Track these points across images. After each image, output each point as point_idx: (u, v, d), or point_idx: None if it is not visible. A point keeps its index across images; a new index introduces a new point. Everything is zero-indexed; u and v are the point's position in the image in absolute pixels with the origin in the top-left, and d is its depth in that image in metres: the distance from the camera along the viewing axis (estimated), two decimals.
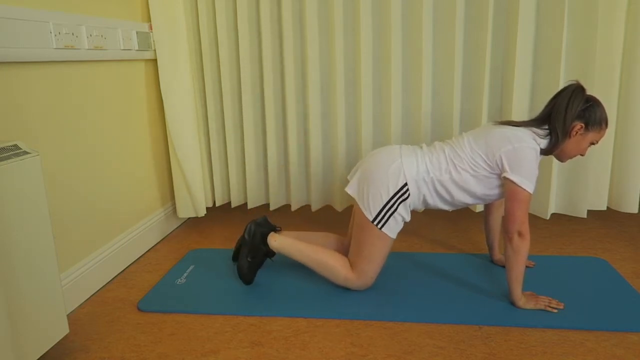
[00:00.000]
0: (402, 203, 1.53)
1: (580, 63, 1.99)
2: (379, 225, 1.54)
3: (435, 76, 2.16)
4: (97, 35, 1.70)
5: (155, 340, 1.42)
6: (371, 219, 1.54)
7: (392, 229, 1.56)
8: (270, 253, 1.74)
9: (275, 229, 1.78)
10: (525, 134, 1.48)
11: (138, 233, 2.01)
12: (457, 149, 1.54)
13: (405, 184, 1.52)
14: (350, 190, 1.60)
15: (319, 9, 2.13)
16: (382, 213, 1.53)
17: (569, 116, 1.46)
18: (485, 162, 1.49)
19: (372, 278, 1.62)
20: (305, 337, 1.41)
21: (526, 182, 1.43)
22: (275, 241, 1.71)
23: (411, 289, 1.65)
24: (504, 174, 1.46)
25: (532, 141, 1.47)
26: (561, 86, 1.54)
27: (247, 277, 1.70)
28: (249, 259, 1.70)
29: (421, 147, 1.60)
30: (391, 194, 1.52)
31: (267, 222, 1.77)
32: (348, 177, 1.65)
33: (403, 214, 1.55)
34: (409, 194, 1.53)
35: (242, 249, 1.72)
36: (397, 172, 1.52)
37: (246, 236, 1.72)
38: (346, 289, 1.65)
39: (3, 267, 1.10)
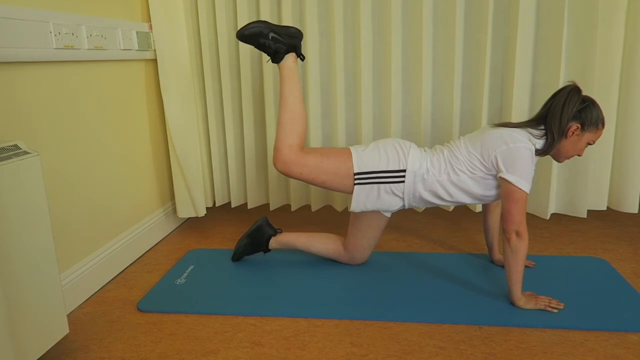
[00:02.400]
0: (390, 185, 1.55)
1: (580, 63, 1.99)
2: (356, 181, 1.55)
3: (435, 76, 2.16)
4: (97, 35, 1.70)
5: (155, 340, 1.42)
6: (356, 171, 1.55)
7: (361, 195, 1.56)
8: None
9: (276, 232, 1.87)
10: (520, 134, 1.49)
11: (138, 233, 2.01)
12: (454, 151, 1.56)
13: (404, 171, 1.53)
14: (352, 146, 1.61)
15: (319, 9, 2.13)
16: (368, 175, 1.55)
17: (564, 117, 1.47)
18: (482, 163, 1.50)
19: (297, 174, 1.56)
20: (305, 337, 1.41)
21: (522, 182, 1.44)
22: (294, 62, 1.65)
23: (411, 289, 1.65)
24: (500, 174, 1.47)
25: (527, 141, 1.47)
26: (561, 86, 1.55)
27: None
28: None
29: (424, 149, 1.62)
30: (388, 169, 1.54)
31: (268, 222, 1.89)
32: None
33: (382, 194, 1.56)
34: (402, 181, 1.54)
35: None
36: (401, 157, 1.55)
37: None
38: (347, 288, 1.66)
39: (3, 267, 1.10)
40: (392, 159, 1.55)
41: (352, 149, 1.60)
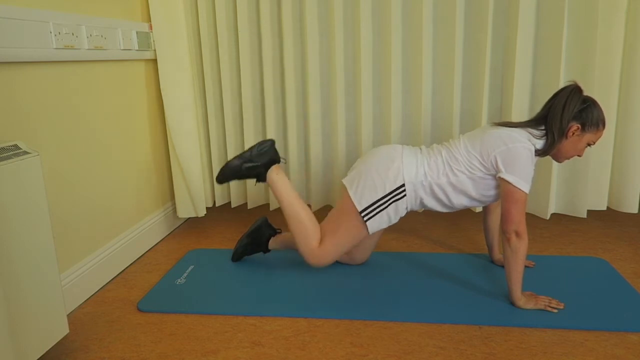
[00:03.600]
0: (395, 203, 1.54)
1: (580, 63, 1.99)
2: (365, 218, 1.55)
3: (435, 76, 2.16)
4: (97, 35, 1.70)
5: (155, 340, 1.42)
6: (360, 209, 1.55)
7: (375, 224, 1.56)
8: (261, 176, 1.72)
9: (276, 232, 1.86)
10: (520, 134, 1.48)
11: (138, 233, 2.01)
12: (453, 151, 1.55)
13: (403, 185, 1.52)
14: (345, 180, 1.61)
15: (319, 9, 2.13)
16: (372, 207, 1.54)
17: (565, 117, 1.46)
18: (481, 163, 1.50)
19: (331, 260, 1.63)
20: (305, 337, 1.41)
21: (521, 182, 1.43)
22: (277, 174, 1.70)
23: (411, 289, 1.65)
24: (499, 174, 1.47)
25: (527, 141, 1.47)
26: (561, 86, 1.55)
27: (225, 176, 1.72)
28: (244, 166, 1.69)
29: (420, 150, 1.61)
30: (387, 192, 1.53)
31: (268, 223, 1.86)
32: (348, 173, 1.66)
33: (391, 214, 1.56)
34: (404, 195, 1.53)
35: (243, 154, 1.72)
36: (396, 172, 1.53)
37: (257, 148, 1.72)
38: (347, 288, 1.66)
39: (3, 267, 1.10)
40: (387, 179, 1.53)
41: (346, 185, 1.59)
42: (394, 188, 1.53)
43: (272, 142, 1.74)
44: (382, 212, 1.54)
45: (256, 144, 1.72)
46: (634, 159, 2.02)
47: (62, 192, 1.58)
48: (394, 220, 1.58)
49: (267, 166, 1.70)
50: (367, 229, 1.57)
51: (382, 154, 1.59)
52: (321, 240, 1.62)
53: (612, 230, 2.17)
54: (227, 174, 1.70)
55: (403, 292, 1.64)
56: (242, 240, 1.88)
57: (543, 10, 2.00)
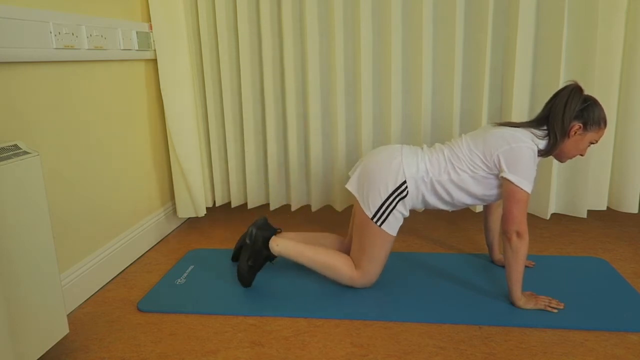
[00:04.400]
0: (401, 201, 1.54)
1: (580, 63, 1.99)
2: (379, 223, 1.55)
3: (435, 76, 2.16)
4: (97, 35, 1.70)
5: (155, 340, 1.42)
6: (370, 216, 1.55)
7: (392, 226, 1.56)
8: (271, 257, 1.73)
9: (276, 231, 1.76)
10: (523, 134, 1.48)
11: (138, 233, 2.01)
12: (456, 150, 1.55)
13: (404, 182, 1.53)
14: (350, 187, 1.61)
15: (319, 9, 2.13)
16: (381, 210, 1.54)
17: (567, 116, 1.47)
18: (483, 162, 1.50)
19: (376, 275, 1.63)
20: (305, 337, 1.41)
21: (524, 182, 1.43)
22: (278, 245, 1.70)
23: (411, 289, 1.65)
24: (502, 174, 1.47)
25: (530, 141, 1.47)
26: (561, 86, 1.55)
27: (246, 280, 1.69)
28: (249, 263, 1.68)
29: (422, 149, 1.61)
30: (390, 191, 1.53)
31: (268, 224, 1.76)
32: (349, 174, 1.66)
33: (402, 210, 1.56)
34: (407, 192, 1.53)
35: (242, 252, 1.71)
36: (396, 170, 1.53)
37: (247, 240, 1.70)
38: (347, 289, 1.66)
39: (3, 267, 1.10)
40: (389, 179, 1.53)
41: (353, 192, 1.59)
42: (397, 186, 1.53)
43: (253, 227, 1.72)
44: (394, 211, 1.55)
45: (244, 241, 1.72)
46: (634, 159, 2.02)
47: (62, 192, 1.58)
48: (406, 213, 1.58)
49: (266, 246, 1.71)
50: (388, 232, 1.57)
51: (382, 155, 1.59)
52: (356, 265, 1.63)
53: (612, 230, 2.17)
54: (246, 277, 1.70)
55: (403, 292, 1.64)
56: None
57: (543, 10, 2.00)
